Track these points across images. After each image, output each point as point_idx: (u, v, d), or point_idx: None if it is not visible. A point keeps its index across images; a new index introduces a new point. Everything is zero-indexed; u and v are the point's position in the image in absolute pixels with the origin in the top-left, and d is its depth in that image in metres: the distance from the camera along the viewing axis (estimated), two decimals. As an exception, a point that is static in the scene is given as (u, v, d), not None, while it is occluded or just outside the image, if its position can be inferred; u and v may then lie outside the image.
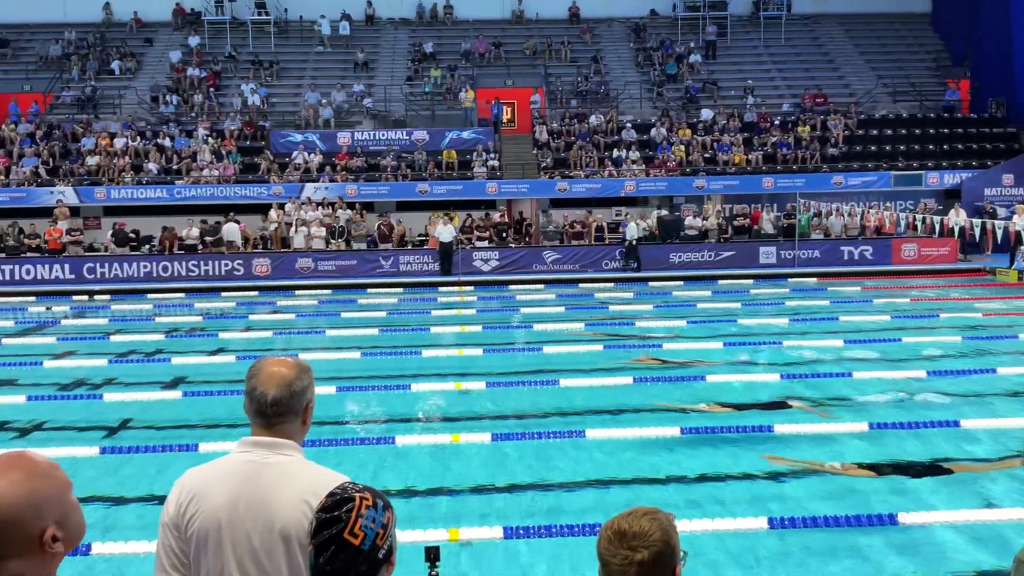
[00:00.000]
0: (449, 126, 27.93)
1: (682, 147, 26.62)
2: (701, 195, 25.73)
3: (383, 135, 27.44)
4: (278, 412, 2.42)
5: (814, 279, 21.25)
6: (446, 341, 13.99)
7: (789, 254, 22.85)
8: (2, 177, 24.90)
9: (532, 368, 11.38)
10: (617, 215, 25.04)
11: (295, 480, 2.36)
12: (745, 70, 31.64)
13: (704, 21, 32.87)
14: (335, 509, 1.87)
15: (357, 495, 1.90)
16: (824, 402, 9.46)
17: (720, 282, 20.82)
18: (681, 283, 20.81)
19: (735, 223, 24.52)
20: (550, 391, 10.17)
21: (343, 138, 27.13)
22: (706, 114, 28.35)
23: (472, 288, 21.25)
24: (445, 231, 22.66)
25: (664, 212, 25.04)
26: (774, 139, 27.00)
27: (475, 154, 26.41)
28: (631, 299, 18.70)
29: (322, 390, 9.96)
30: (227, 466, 2.44)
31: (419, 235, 24.95)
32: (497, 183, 25.30)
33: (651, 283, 21.01)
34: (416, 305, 18.66)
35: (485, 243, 23.83)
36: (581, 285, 21.22)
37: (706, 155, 26.62)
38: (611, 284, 21.03)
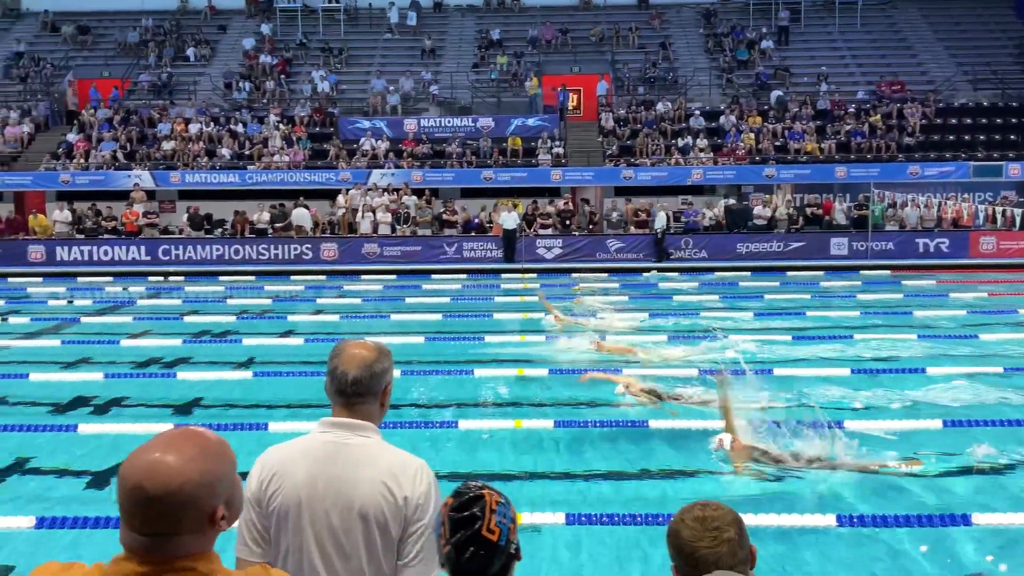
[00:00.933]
0: (514, 113, 27.91)
1: (752, 135, 26.12)
2: (771, 184, 25.26)
3: (449, 122, 27.57)
4: (358, 392, 2.49)
5: (887, 271, 20.70)
6: (509, 327, 14.01)
7: (862, 245, 22.28)
8: (82, 160, 25.74)
9: (595, 356, 11.34)
10: (684, 203, 24.75)
11: (375, 462, 2.44)
12: (818, 56, 30.88)
13: (777, 6, 32.16)
14: (468, 507, 1.90)
15: (484, 492, 1.92)
16: (896, 398, 9.22)
17: (789, 273, 20.43)
18: (748, 273, 20.48)
19: (806, 213, 24.00)
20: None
21: (409, 125, 27.34)
22: (773, 95, 27.82)
23: (535, 275, 21.26)
24: (509, 218, 22.72)
25: (732, 201, 24.64)
26: (848, 127, 26.30)
27: (540, 141, 26.35)
28: (696, 289, 18.46)
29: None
30: (308, 445, 2.50)
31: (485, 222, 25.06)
32: (562, 170, 25.21)
33: (718, 273, 20.74)
34: (479, 291, 18.73)
35: (549, 231, 23.80)
36: (645, 275, 21.07)
37: (777, 143, 26.07)
38: (676, 274, 20.81)
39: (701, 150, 25.77)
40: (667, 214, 22.87)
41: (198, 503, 1.59)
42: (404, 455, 2.49)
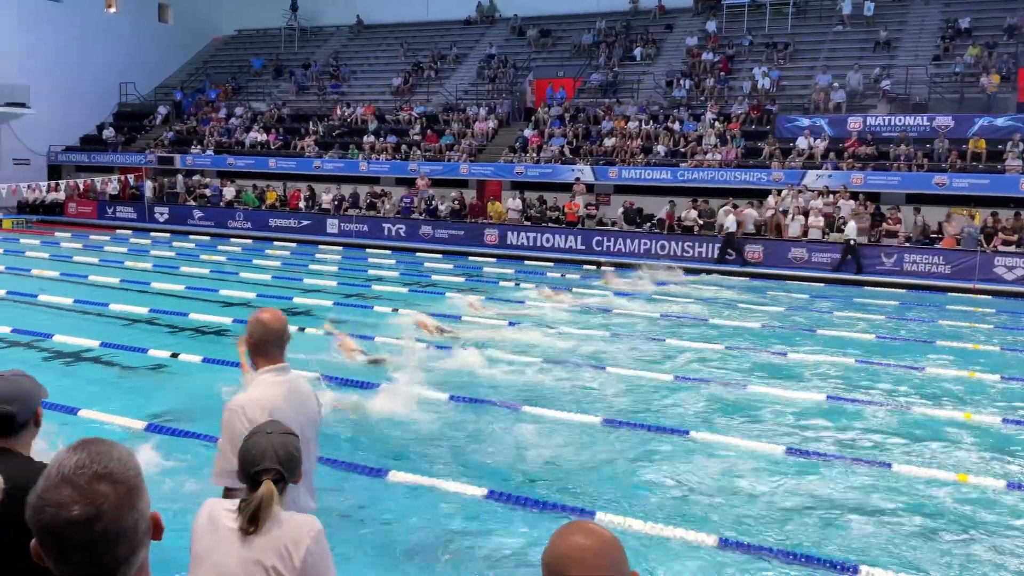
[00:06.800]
0: (980, 111, 24.75)
1: None
2: None
3: (899, 120, 25.34)
4: None
5: None
6: (949, 359, 12.44)
7: None
8: (534, 154, 28.32)
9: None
10: None
11: None
12: None
13: None
14: None
15: None
16: None
17: None
18: None
19: None
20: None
21: (854, 123, 25.66)
22: None
23: (989, 298, 18.78)
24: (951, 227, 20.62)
25: None
26: None
27: (1010, 144, 23.07)
28: None
29: (809, 396, 9.58)
30: None
31: (930, 232, 22.74)
32: (1035, 179, 21.82)
33: None
34: (919, 312, 16.98)
35: (1012, 247, 20.81)
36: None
37: None
38: None
39: None
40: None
41: None
42: None
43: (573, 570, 1.62)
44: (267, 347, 3.56)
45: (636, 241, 24.24)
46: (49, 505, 1.45)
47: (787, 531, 6.26)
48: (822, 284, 20.45)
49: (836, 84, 27.21)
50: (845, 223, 21.93)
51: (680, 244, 23.67)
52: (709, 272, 21.78)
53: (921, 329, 14.90)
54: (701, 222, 24.06)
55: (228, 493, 3.20)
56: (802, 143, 25.45)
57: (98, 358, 10.96)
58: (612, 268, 21.48)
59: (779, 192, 24.09)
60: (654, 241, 24.06)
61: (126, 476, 1.51)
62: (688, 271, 21.36)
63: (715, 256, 22.93)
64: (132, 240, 26.43)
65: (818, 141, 25.31)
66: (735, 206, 23.61)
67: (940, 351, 12.86)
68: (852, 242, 21.42)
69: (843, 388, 10.40)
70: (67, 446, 1.55)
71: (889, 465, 7.59)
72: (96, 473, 1.48)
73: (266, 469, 2.63)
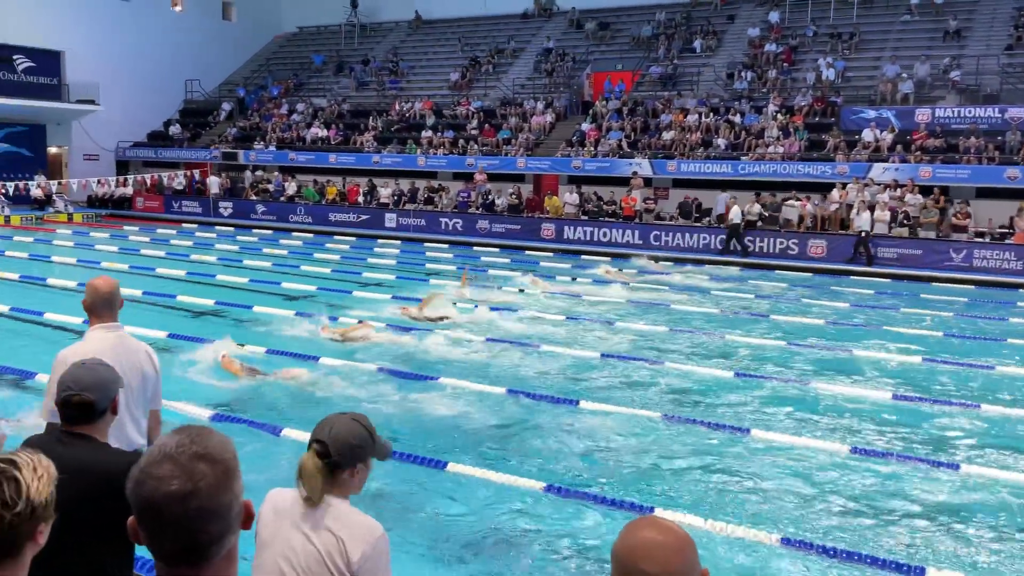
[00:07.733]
0: (1056, 102, 23.85)
1: None
2: None
3: (969, 112, 24.57)
4: None
5: None
6: (1021, 357, 12.05)
7: None
8: (592, 148, 28.16)
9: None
10: None
11: None
12: None
13: None
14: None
15: None
16: None
17: None
18: None
19: None
20: None
21: (922, 115, 24.97)
22: None
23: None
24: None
25: None
26: None
27: (1089, 135, 22.21)
28: None
29: (874, 394, 9.40)
30: None
31: (1000, 227, 22.03)
32: (1116, 171, 20.97)
33: None
34: (990, 309, 16.46)
35: (1090, 243, 20.05)
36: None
37: None
38: None
39: None
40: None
41: None
42: None
43: (645, 564, 1.61)
44: (97, 308, 4.14)
45: (695, 236, 23.97)
46: (150, 478, 1.51)
47: (851, 531, 6.15)
48: (889, 280, 20.00)
49: (904, 75, 26.49)
50: (858, 213, 21.74)
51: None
52: (704, 263, 21.93)
53: (991, 327, 14.45)
54: (766, 215, 23.65)
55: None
56: (868, 135, 24.85)
57: (166, 349, 11.25)
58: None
59: (844, 186, 23.57)
60: (714, 236, 23.76)
61: (224, 458, 1.57)
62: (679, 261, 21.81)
63: (776, 250, 22.57)
64: (198, 234, 27.06)
65: (885, 133, 24.69)
66: (798, 199, 23.21)
67: (1011, 349, 12.47)
68: (863, 233, 21.14)
69: (909, 386, 10.16)
70: (170, 430, 1.63)
71: (957, 466, 7.38)
72: (196, 453, 1.54)
73: (316, 440, 2.67)
